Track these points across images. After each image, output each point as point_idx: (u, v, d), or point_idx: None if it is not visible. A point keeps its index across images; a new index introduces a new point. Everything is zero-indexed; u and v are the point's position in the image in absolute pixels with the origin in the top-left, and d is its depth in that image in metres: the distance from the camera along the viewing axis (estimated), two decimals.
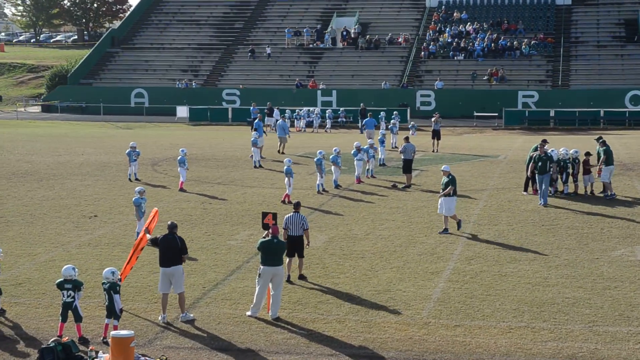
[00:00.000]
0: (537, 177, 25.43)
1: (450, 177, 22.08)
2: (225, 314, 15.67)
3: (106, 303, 14.18)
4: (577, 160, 27.74)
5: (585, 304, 16.11)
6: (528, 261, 19.33)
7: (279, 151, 39.81)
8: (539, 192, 25.76)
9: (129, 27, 77.91)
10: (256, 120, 40.74)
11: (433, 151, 41.20)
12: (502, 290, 16.97)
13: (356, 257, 19.86)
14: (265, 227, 16.42)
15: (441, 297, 16.57)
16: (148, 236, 16.04)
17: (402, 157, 30.02)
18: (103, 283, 14.21)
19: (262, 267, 15.45)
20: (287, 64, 70.09)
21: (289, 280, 17.43)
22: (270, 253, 15.45)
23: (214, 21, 77.54)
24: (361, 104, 54.50)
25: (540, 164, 25.67)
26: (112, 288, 14.08)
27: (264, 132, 39.30)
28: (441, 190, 22.23)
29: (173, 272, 15.24)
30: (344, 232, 22.49)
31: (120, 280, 14.78)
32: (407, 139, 30.71)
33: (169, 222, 15.64)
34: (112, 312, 14.13)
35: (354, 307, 16.01)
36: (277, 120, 53.97)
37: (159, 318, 15.26)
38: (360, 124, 53.51)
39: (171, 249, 15.26)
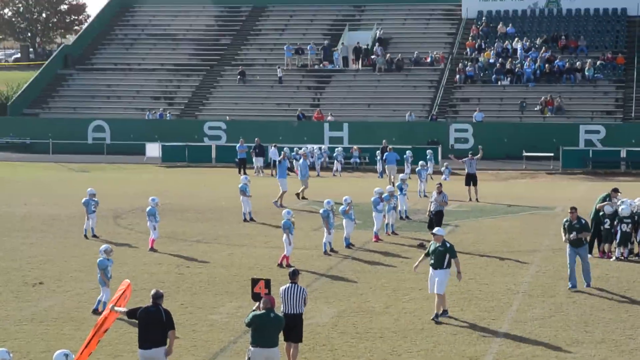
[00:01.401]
0: (568, 249, 24.11)
1: (448, 245, 21.05)
2: None
3: None
4: None
5: None
6: (594, 344, 19.22)
7: (299, 195, 40.78)
8: (571, 269, 24.06)
9: (86, 44, 78.67)
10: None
11: (469, 200, 41.25)
12: None
13: (373, 337, 19.76)
14: (256, 297, 16.40)
15: None
16: (121, 309, 16.04)
17: (432, 209, 30.08)
18: None
19: (252, 348, 15.40)
20: (286, 89, 70.54)
21: None
22: (264, 330, 15.41)
23: (194, 36, 78.28)
24: (383, 141, 54.50)
25: (571, 233, 23.99)
26: None
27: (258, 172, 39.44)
28: (432, 260, 21.06)
29: (155, 356, 15.22)
30: (358, 305, 22.42)
31: None
32: (439, 187, 31.00)
33: (153, 291, 15.67)
34: None
35: None
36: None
37: None
38: (379, 166, 53.69)
39: (154, 326, 15.26)
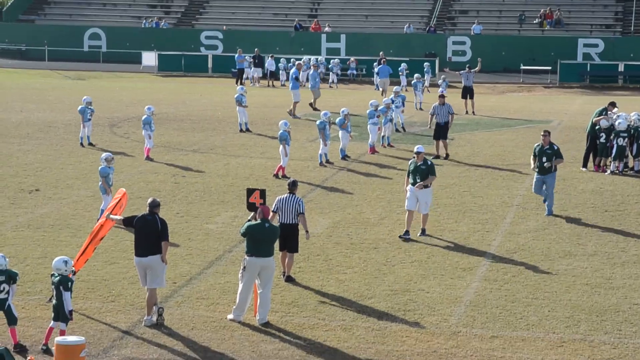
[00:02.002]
0: (535, 176, 22.69)
1: (429, 163, 20.65)
2: (201, 316, 15.74)
3: (54, 301, 14.23)
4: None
5: None
6: (586, 256, 19.37)
7: (312, 105, 40.83)
8: (544, 199, 22.91)
9: None
10: (293, 70, 42.38)
11: (466, 113, 41.21)
12: (553, 293, 17.02)
13: (367, 247, 19.90)
14: (251, 207, 16.42)
15: (474, 300, 16.63)
16: (116, 217, 16.08)
17: (435, 121, 30.03)
18: (52, 275, 14.26)
19: (247, 257, 15.48)
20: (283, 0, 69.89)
21: (287, 279, 17.50)
22: (260, 240, 15.48)
23: None
24: (380, 53, 54.32)
25: (543, 159, 22.53)
26: (63, 283, 14.12)
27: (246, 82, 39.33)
28: (412, 179, 20.40)
29: (151, 264, 15.30)
30: (353, 216, 22.53)
31: (74, 273, 14.82)
32: (442, 97, 30.77)
33: (150, 199, 15.66)
34: (60, 314, 14.19)
35: (364, 311, 16.07)
36: (273, 71, 54.11)
37: (144, 319, 15.35)
38: (376, 78, 53.50)
39: (150, 234, 15.31)
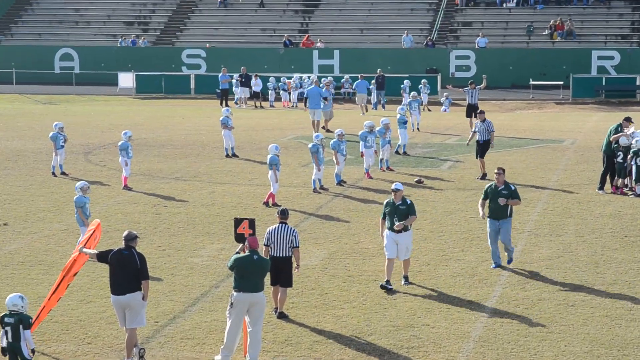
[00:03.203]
0: (488, 223, 20.58)
1: (409, 202, 19.44)
2: (186, 358, 15.71)
3: (7, 341, 14.17)
4: None
5: None
6: (605, 286, 19.36)
7: (324, 127, 40.97)
8: (493, 247, 20.75)
9: None
10: (324, 89, 42.85)
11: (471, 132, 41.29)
12: (569, 327, 17.01)
13: (366, 280, 19.88)
14: (240, 238, 16.43)
15: (484, 336, 16.61)
16: (90, 251, 16.04)
17: (478, 139, 30.99)
18: (4, 316, 14.20)
19: (235, 293, 15.47)
20: (271, 14, 70.14)
21: (279, 316, 17.48)
22: (248, 274, 15.46)
23: None
24: (378, 70, 54.51)
25: (491, 201, 20.56)
26: (23, 321, 14.09)
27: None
28: (389, 223, 19.27)
29: (129, 302, 15.26)
30: (350, 246, 22.52)
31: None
32: (482, 113, 31.55)
33: (126, 232, 15.63)
34: (19, 356, 14.16)
35: (363, 349, 16.04)
36: (258, 91, 54.25)
37: None
38: (373, 97, 53.73)
39: (127, 270, 15.27)
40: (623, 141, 28.02)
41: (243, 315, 15.45)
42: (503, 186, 20.43)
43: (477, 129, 31.32)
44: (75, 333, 16.81)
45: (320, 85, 43.93)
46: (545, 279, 19.84)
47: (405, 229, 19.29)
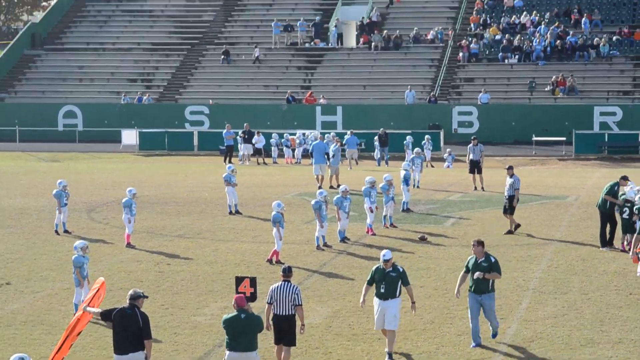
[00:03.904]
0: (469, 297, 19.36)
1: (401, 270, 18.70)
2: None
3: None
4: None
5: None
6: (611, 344, 19.28)
7: (332, 187, 40.82)
8: (473, 325, 19.35)
9: (55, 21, 78.55)
10: (334, 146, 43.07)
11: (475, 189, 41.34)
12: None
13: (371, 338, 19.79)
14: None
15: None
16: (94, 310, 16.02)
17: (506, 194, 31.34)
18: None
19: (227, 352, 15.50)
20: (274, 70, 70.52)
21: None
22: (237, 333, 15.45)
23: (174, 12, 78.24)
24: (381, 129, 54.60)
25: (472, 274, 19.28)
26: None
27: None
28: (377, 290, 18.55)
29: None
30: (354, 304, 22.43)
31: None
32: (510, 169, 31.87)
33: (131, 291, 15.64)
34: None
35: None
36: (260, 148, 54.43)
37: None
38: (376, 153, 53.84)
39: (130, 329, 15.25)
40: (630, 195, 27.78)
41: None
42: (483, 258, 19.16)
43: (507, 184, 31.52)
44: None
45: (325, 141, 44.14)
46: (551, 337, 19.75)
47: (392, 295, 18.32)
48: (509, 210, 31.23)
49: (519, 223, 31.26)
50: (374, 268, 18.83)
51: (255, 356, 15.47)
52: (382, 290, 18.39)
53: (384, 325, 18.44)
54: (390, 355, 18.36)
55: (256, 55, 70.38)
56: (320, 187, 39.67)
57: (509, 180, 31.37)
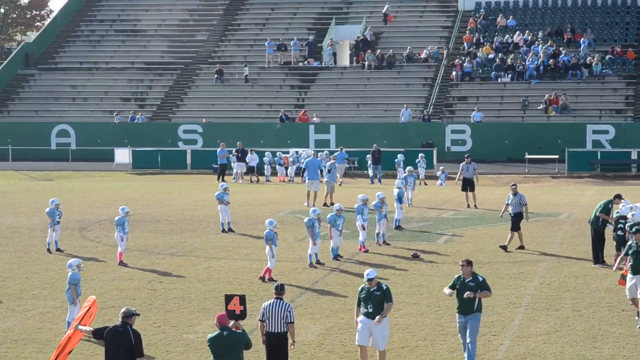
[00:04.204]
0: (457, 317, 18.91)
1: (384, 287, 18.43)
2: None
3: None
4: None
5: None
6: None
7: (325, 204, 41.06)
8: (464, 345, 18.92)
9: (49, 41, 78.64)
10: (330, 163, 43.46)
11: (467, 207, 41.36)
12: None
13: None
14: (232, 315, 16.38)
15: None
16: (86, 328, 15.97)
17: (510, 211, 31.58)
18: None
19: None
20: (268, 89, 70.62)
21: None
22: (221, 352, 15.41)
23: (167, 32, 78.35)
24: (374, 145, 54.66)
25: (458, 293, 18.84)
26: None
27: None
28: (364, 309, 18.34)
29: None
30: (347, 321, 22.39)
31: None
32: (514, 186, 32.24)
33: (124, 309, 15.60)
34: None
35: None
36: (253, 166, 54.49)
37: None
38: (371, 171, 53.83)
39: (122, 348, 15.20)
40: (625, 211, 27.76)
41: None
42: (470, 278, 18.67)
43: (509, 202, 31.66)
44: None
45: (319, 158, 44.25)
46: (543, 354, 19.72)
47: (377, 314, 18.07)
48: (515, 226, 31.37)
49: (523, 245, 31.28)
50: (359, 288, 18.61)
51: None
52: (370, 310, 18.16)
53: (374, 346, 18.24)
54: None
55: (246, 74, 70.49)
56: (310, 205, 39.73)
57: (512, 198, 31.50)
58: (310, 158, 44.11)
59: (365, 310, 18.25)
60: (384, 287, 18.36)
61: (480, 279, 18.75)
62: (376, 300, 18.16)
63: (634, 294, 21.81)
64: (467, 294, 18.47)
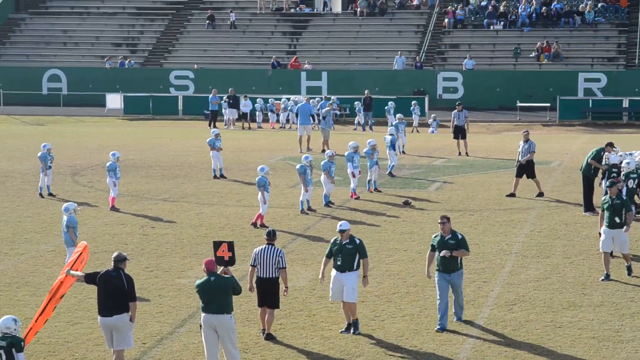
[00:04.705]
0: (437, 276, 18.32)
1: (358, 241, 17.99)
2: None
3: None
4: None
5: None
6: (592, 307, 19.38)
7: (323, 150, 40.82)
8: (441, 305, 18.22)
9: None
10: (325, 109, 43.25)
11: (459, 154, 41.40)
12: (557, 348, 17.01)
13: None
14: (221, 261, 16.45)
15: (472, 357, 16.59)
16: (77, 273, 16.03)
17: (521, 159, 31.41)
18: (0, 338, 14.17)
19: (202, 314, 15.60)
20: (259, 35, 70.26)
21: (267, 337, 17.48)
22: (209, 297, 15.50)
23: None
24: (365, 91, 54.64)
25: (439, 252, 18.28)
26: (15, 344, 14.04)
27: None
28: (334, 262, 17.93)
29: (117, 324, 15.26)
30: None
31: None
32: (526, 133, 32.10)
33: (116, 253, 15.66)
34: None
35: None
36: (247, 112, 54.44)
37: None
38: (362, 118, 53.81)
39: (115, 292, 15.27)
40: (614, 159, 27.76)
41: (213, 335, 15.50)
42: (450, 235, 18.19)
43: (520, 149, 31.55)
44: (62, 355, 16.74)
45: (311, 103, 44.37)
46: (533, 300, 19.85)
47: (349, 268, 17.68)
48: (528, 173, 31.31)
49: (542, 192, 31.26)
50: (332, 240, 18.23)
51: (230, 319, 15.47)
52: (339, 263, 17.77)
53: (342, 298, 17.86)
54: (351, 325, 17.90)
55: (232, 20, 70.06)
56: (303, 151, 39.84)
57: (523, 145, 31.43)
58: (302, 103, 44.08)
59: (335, 263, 17.85)
60: (357, 241, 17.88)
61: (460, 236, 18.29)
62: (346, 254, 17.73)
63: (608, 248, 21.44)
64: (443, 253, 18.03)
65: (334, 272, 17.95)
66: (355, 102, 54.47)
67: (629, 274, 21.46)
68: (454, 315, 18.52)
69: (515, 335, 17.63)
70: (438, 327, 17.90)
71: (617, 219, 21.46)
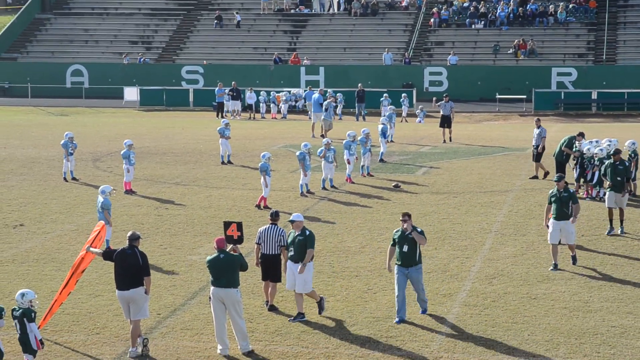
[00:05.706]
0: (396, 270, 17.22)
1: (308, 233, 17.20)
2: (186, 347, 15.67)
3: (18, 334, 14.17)
4: (634, 155, 27.64)
5: (637, 334, 16.18)
6: (564, 280, 19.40)
7: (322, 135, 41.22)
8: (399, 299, 17.05)
9: None
10: (327, 101, 43.47)
11: (444, 142, 41.39)
12: (532, 317, 17.03)
13: (349, 275, 19.86)
14: (230, 240, 16.44)
15: (455, 326, 16.61)
16: (96, 250, 16.06)
17: (534, 143, 31.53)
18: (13, 310, 14.21)
19: (212, 288, 15.60)
20: (262, 34, 70.10)
21: (270, 308, 17.49)
22: (218, 272, 15.50)
23: None
24: (359, 85, 54.63)
25: (404, 247, 17.17)
26: (27, 315, 14.08)
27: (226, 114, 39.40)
28: (288, 251, 17.21)
29: (133, 296, 15.27)
30: (334, 245, 22.51)
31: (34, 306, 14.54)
32: (538, 120, 32.28)
33: (130, 232, 15.67)
34: (27, 346, 14.14)
35: (346, 338, 16.03)
36: (252, 103, 54.36)
37: (129, 351, 15.31)
38: (357, 110, 53.81)
39: (130, 268, 15.28)
40: (591, 150, 27.61)
41: (222, 307, 15.49)
42: (410, 231, 17.12)
43: (535, 135, 31.57)
44: (84, 324, 16.76)
45: (321, 95, 44.95)
46: (511, 274, 19.87)
47: (301, 259, 16.87)
48: (537, 157, 31.40)
49: (548, 171, 31.07)
50: (289, 233, 17.43)
51: (236, 292, 15.48)
52: (292, 254, 17.07)
53: (294, 288, 17.08)
54: (301, 313, 17.08)
55: (238, 20, 69.90)
56: (315, 135, 40.49)
57: (536, 131, 31.49)
58: (315, 95, 44.81)
59: (291, 253, 17.14)
60: (307, 233, 17.11)
61: (419, 230, 17.27)
62: (298, 245, 17.00)
63: (555, 240, 20.47)
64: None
65: (289, 262, 17.19)
66: (338, 94, 54.65)
67: (574, 263, 20.57)
68: (420, 307, 17.46)
69: (495, 306, 17.65)
70: (397, 319, 16.84)
71: (565, 210, 20.49)
